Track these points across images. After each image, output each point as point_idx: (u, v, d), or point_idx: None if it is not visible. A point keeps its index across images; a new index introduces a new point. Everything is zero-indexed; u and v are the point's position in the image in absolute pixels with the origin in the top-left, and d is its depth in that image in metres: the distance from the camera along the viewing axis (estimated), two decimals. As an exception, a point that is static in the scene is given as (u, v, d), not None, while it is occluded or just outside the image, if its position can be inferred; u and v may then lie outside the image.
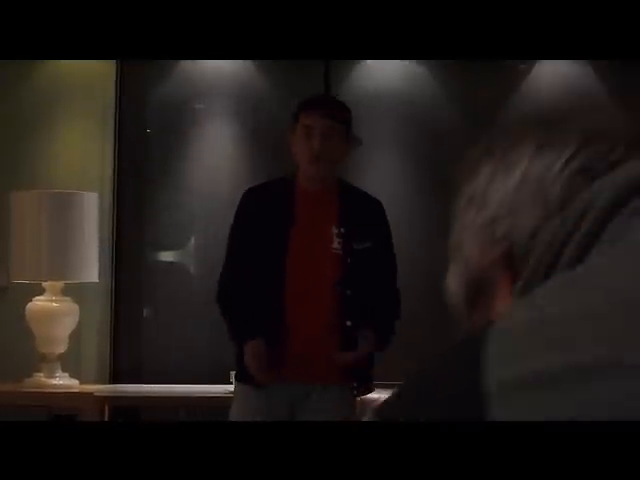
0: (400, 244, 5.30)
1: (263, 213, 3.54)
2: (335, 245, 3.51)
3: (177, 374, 5.07)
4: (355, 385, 3.55)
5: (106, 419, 4.85)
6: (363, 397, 4.86)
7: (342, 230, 3.52)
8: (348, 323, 3.47)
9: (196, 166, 5.33)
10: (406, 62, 5.35)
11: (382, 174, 5.36)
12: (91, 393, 4.78)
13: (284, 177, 3.65)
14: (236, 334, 3.53)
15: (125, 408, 5.02)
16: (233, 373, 3.77)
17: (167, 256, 5.36)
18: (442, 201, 5.20)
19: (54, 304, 4.90)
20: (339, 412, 3.51)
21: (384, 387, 4.93)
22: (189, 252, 5.36)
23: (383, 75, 5.36)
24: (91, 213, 4.92)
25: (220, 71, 5.33)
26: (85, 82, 5.24)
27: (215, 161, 5.32)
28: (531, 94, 5.40)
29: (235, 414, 3.55)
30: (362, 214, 3.61)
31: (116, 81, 5.28)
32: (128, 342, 5.25)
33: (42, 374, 4.86)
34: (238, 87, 5.33)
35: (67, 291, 4.94)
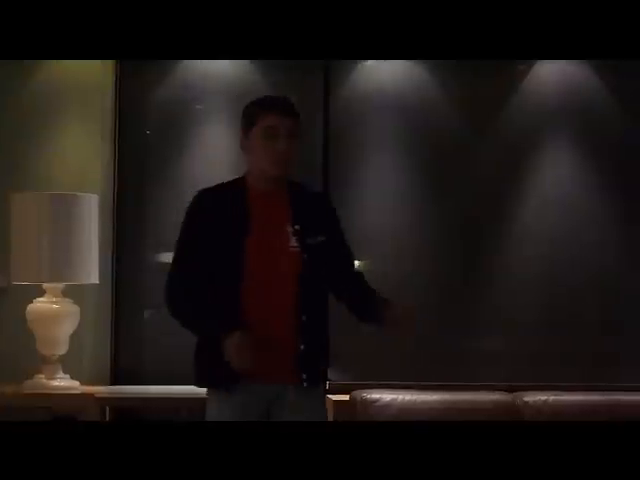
0: (400, 243, 5.32)
1: (216, 215, 3.52)
2: (292, 242, 3.50)
3: (177, 375, 5.04)
4: (304, 377, 3.47)
5: (107, 420, 4.86)
6: (364, 397, 4.87)
7: (297, 227, 3.51)
8: (303, 318, 3.46)
9: (196, 166, 5.32)
10: (405, 62, 5.34)
11: (381, 173, 5.35)
12: (92, 394, 4.79)
13: (237, 179, 3.63)
14: (202, 331, 3.49)
15: (126, 409, 5.01)
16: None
17: (167, 257, 5.32)
18: (442, 200, 5.22)
19: (55, 305, 4.90)
20: (311, 411, 3.49)
21: (386, 387, 4.95)
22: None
23: (382, 75, 5.36)
24: (91, 214, 4.93)
25: (219, 71, 5.33)
26: (85, 83, 5.24)
27: (215, 161, 5.31)
28: (531, 94, 5.39)
29: (210, 418, 3.55)
30: (312, 209, 3.59)
31: (115, 82, 5.27)
32: (129, 343, 5.25)
33: (43, 375, 4.86)
34: (237, 87, 5.32)
35: (68, 292, 4.94)
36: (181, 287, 3.53)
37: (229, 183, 3.63)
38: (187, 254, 3.55)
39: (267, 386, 3.46)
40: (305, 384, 3.47)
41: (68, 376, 4.91)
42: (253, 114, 3.53)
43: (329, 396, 4.94)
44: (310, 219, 3.55)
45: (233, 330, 3.34)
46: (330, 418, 4.81)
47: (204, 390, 4.87)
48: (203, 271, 3.48)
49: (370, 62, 5.35)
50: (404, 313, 3.55)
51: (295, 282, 3.48)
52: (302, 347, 3.46)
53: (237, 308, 3.43)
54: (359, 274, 3.73)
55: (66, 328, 4.92)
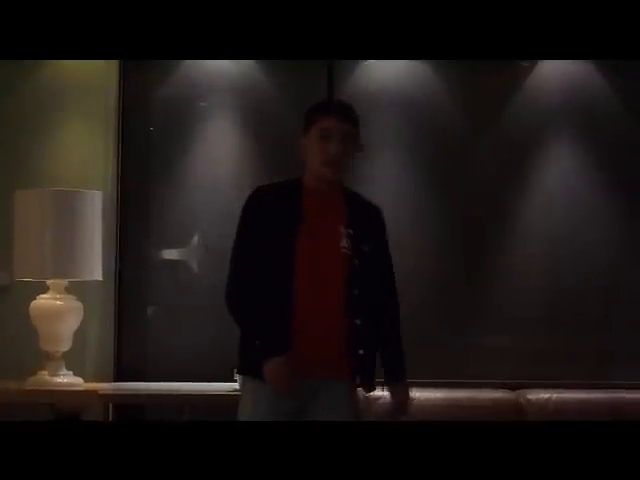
0: (403, 240, 5.31)
1: (272, 211, 3.56)
2: (344, 244, 3.55)
3: (181, 372, 5.07)
4: (359, 383, 3.58)
5: (110, 417, 4.86)
6: (367, 395, 4.87)
7: (350, 231, 3.57)
8: (357, 322, 3.52)
9: (199, 164, 5.33)
10: (408, 60, 5.34)
11: (385, 171, 5.35)
12: (95, 391, 4.79)
13: (292, 179, 3.68)
14: (252, 336, 3.51)
15: (129, 406, 5.02)
16: (235, 370, 3.74)
17: (171, 254, 5.35)
18: (445, 197, 5.22)
19: (58, 302, 4.90)
20: (345, 408, 3.55)
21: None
22: (193, 250, 5.35)
23: (385, 73, 5.35)
24: (95, 211, 4.93)
25: (223, 69, 5.33)
26: (88, 81, 5.24)
27: (218, 159, 5.31)
28: (534, 92, 5.39)
29: (244, 409, 3.56)
30: (367, 218, 3.67)
31: (119, 80, 5.27)
32: (132, 340, 5.25)
33: (46, 372, 4.87)
34: (241, 85, 5.33)
35: (71, 289, 4.94)
36: (237, 289, 3.57)
37: (286, 182, 3.69)
38: (243, 254, 3.58)
39: (305, 383, 3.49)
40: (360, 387, 3.59)
41: (71, 373, 4.91)
42: (311, 116, 3.62)
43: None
44: (363, 226, 3.61)
45: (275, 355, 3.42)
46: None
47: (208, 387, 4.89)
48: (258, 270, 3.51)
49: (373, 60, 5.35)
50: (399, 408, 3.68)
51: (343, 283, 3.52)
52: (361, 351, 3.53)
53: (289, 307, 3.46)
54: (396, 295, 3.78)
55: (69, 325, 4.92)
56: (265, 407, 3.49)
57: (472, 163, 5.37)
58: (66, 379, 4.87)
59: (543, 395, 4.95)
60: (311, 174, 3.62)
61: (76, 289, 4.97)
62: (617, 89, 5.40)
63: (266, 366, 3.43)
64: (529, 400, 4.93)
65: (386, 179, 5.34)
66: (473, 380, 5.13)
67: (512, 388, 5.01)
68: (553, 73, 5.38)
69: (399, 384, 3.70)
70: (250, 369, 3.55)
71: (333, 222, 3.58)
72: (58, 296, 4.91)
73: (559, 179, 5.36)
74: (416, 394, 4.89)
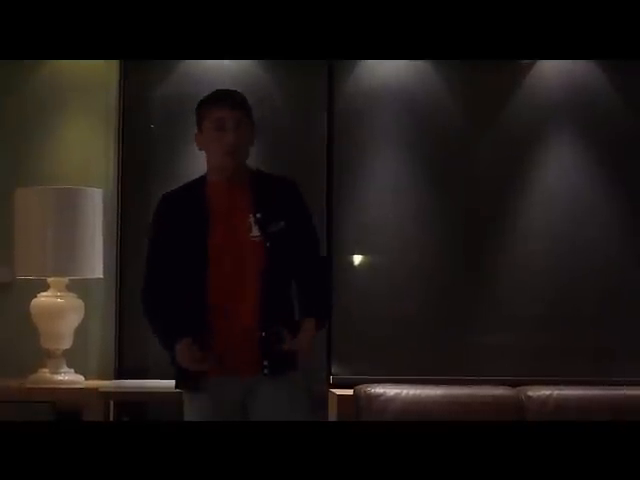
0: (404, 238, 5.32)
1: (178, 215, 3.58)
2: (254, 232, 3.53)
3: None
4: (266, 364, 3.50)
5: (111, 415, 4.86)
6: (367, 392, 4.87)
7: (258, 216, 3.54)
8: (266, 307, 3.48)
9: (199, 162, 5.30)
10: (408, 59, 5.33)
11: (385, 169, 5.35)
12: (96, 389, 4.79)
13: (198, 177, 3.68)
14: (167, 340, 3.53)
15: (130, 404, 5.02)
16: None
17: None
18: (445, 195, 5.22)
19: (59, 300, 4.90)
20: (285, 401, 3.52)
21: (389, 382, 4.96)
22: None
23: (386, 71, 5.35)
24: (95, 209, 4.93)
25: (223, 68, 5.32)
26: (89, 79, 5.24)
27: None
28: (534, 89, 5.38)
29: (187, 417, 3.58)
30: (276, 196, 3.61)
31: (119, 78, 5.27)
32: (133, 338, 5.25)
33: (47, 370, 4.87)
34: (241, 84, 5.30)
35: (72, 287, 4.95)
36: (150, 296, 3.60)
37: (190, 182, 3.70)
38: (156, 260, 3.61)
39: (234, 379, 3.50)
40: (266, 371, 3.49)
41: (72, 370, 4.92)
42: (202, 109, 3.62)
43: (333, 390, 4.96)
44: (273, 206, 3.57)
45: (181, 338, 3.42)
46: (334, 413, 4.83)
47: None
48: (173, 277, 3.53)
49: (373, 59, 5.35)
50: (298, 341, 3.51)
51: (258, 272, 3.51)
52: (262, 335, 3.48)
53: (202, 309, 3.47)
54: (323, 260, 3.78)
55: (70, 322, 4.93)
56: (203, 412, 3.51)
57: (472, 160, 5.36)
58: (67, 377, 4.88)
59: (544, 392, 4.95)
60: (212, 167, 3.62)
61: (77, 287, 4.97)
62: (617, 86, 5.39)
63: (176, 349, 3.44)
64: (530, 397, 4.93)
65: (386, 176, 5.33)
66: (474, 377, 5.13)
67: (513, 385, 5.01)
68: (553, 70, 5.38)
69: (307, 319, 3.53)
70: (178, 381, 3.60)
71: (240, 212, 3.55)
72: (59, 294, 4.91)
73: (559, 176, 5.36)
74: (417, 391, 4.91)
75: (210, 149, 3.60)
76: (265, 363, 3.49)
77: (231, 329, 3.49)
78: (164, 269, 3.56)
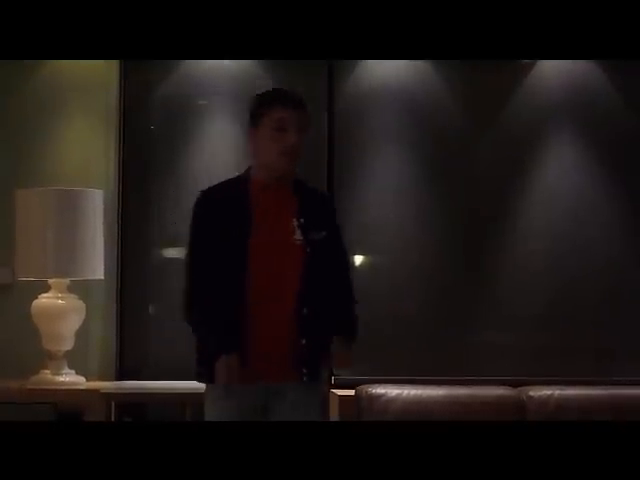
0: (402, 239, 5.32)
1: (222, 212, 3.52)
2: (297, 236, 3.51)
3: (183, 371, 5.05)
4: (305, 372, 3.49)
5: (112, 416, 4.86)
6: (369, 392, 4.87)
7: (302, 221, 3.52)
8: (304, 311, 3.46)
9: (200, 162, 5.32)
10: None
11: (386, 169, 5.35)
12: (97, 390, 4.79)
13: (240, 175, 3.63)
14: (207, 342, 3.50)
15: (131, 405, 5.02)
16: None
17: (172, 253, 5.35)
18: (446, 195, 5.21)
19: (60, 301, 4.90)
20: (311, 408, 3.51)
21: (391, 382, 4.96)
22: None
23: (386, 71, 5.35)
24: (96, 210, 4.93)
25: (223, 68, 5.32)
26: (89, 80, 5.24)
27: (219, 158, 5.31)
28: (535, 88, 5.38)
29: (208, 416, 3.56)
30: (316, 206, 3.60)
31: (120, 79, 5.27)
32: (134, 339, 5.25)
33: (48, 371, 4.87)
34: (241, 84, 5.32)
35: (73, 288, 4.95)
36: (191, 296, 3.54)
37: (232, 179, 3.64)
38: (196, 260, 3.55)
39: (265, 382, 3.47)
40: (305, 379, 3.48)
41: (73, 372, 4.92)
42: (262, 106, 3.54)
43: (334, 391, 4.95)
44: (314, 216, 3.55)
45: (224, 353, 3.40)
46: (335, 413, 4.83)
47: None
48: (212, 277, 3.48)
49: (373, 59, 5.35)
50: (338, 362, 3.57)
51: (297, 275, 3.49)
52: (303, 342, 3.47)
53: (241, 309, 3.43)
54: (350, 283, 3.68)
55: (71, 324, 4.93)
56: (226, 411, 3.48)
57: (472, 160, 5.36)
58: (68, 378, 4.88)
59: (545, 392, 4.94)
60: (262, 166, 3.55)
61: (78, 288, 4.97)
62: (618, 86, 5.39)
63: (216, 364, 3.42)
64: (531, 397, 4.92)
65: (386, 176, 5.34)
66: (475, 377, 5.13)
67: (514, 385, 5.01)
68: (553, 70, 5.38)
69: (342, 339, 3.54)
70: (206, 373, 3.54)
71: (284, 214, 3.53)
72: (60, 295, 4.91)
73: (560, 176, 5.36)
74: (418, 391, 4.91)
75: (265, 147, 3.52)
76: (305, 371, 3.48)
77: (269, 332, 3.46)
78: (205, 268, 3.50)
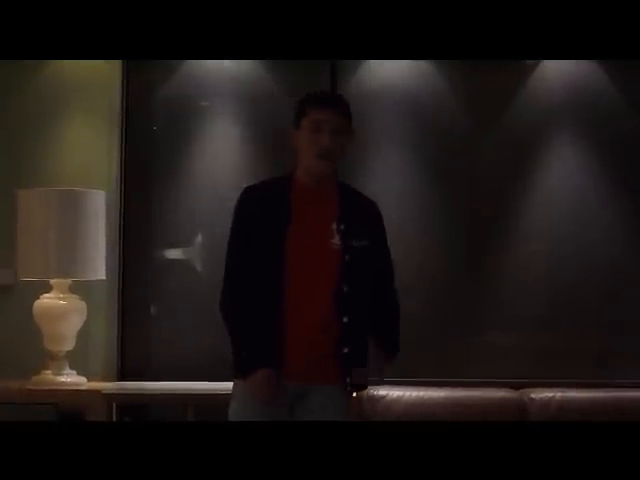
0: (404, 239, 5.31)
1: (262, 211, 3.49)
2: (335, 240, 3.48)
3: (184, 371, 5.07)
4: (349, 381, 3.48)
5: (114, 416, 4.86)
6: (371, 394, 4.87)
7: (342, 226, 3.49)
8: (345, 319, 3.44)
9: (202, 163, 5.33)
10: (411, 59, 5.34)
11: (388, 170, 5.35)
12: (99, 390, 4.79)
13: (282, 175, 3.60)
14: (243, 345, 3.47)
15: (133, 405, 5.02)
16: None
17: (174, 253, 5.35)
18: (448, 196, 5.21)
19: (61, 302, 4.90)
20: (335, 411, 3.48)
21: (393, 384, 4.96)
22: (196, 249, 5.35)
23: (389, 71, 5.35)
24: (98, 211, 4.93)
25: (226, 69, 5.33)
26: (91, 81, 5.24)
27: (221, 158, 5.31)
28: (537, 89, 5.38)
29: (234, 412, 3.53)
30: (360, 213, 3.57)
31: (122, 79, 5.28)
32: (136, 339, 5.25)
33: (50, 372, 4.87)
34: (244, 84, 5.33)
35: (74, 289, 4.95)
36: (230, 297, 3.52)
37: (276, 178, 3.62)
38: (235, 260, 3.53)
39: (303, 386, 3.46)
40: (348, 388, 3.48)
41: (75, 372, 4.92)
42: (302, 107, 3.53)
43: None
44: (355, 221, 3.52)
45: (260, 366, 3.39)
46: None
47: (211, 387, 4.89)
48: (250, 276, 3.46)
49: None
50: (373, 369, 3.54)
51: (334, 280, 3.45)
52: (345, 350, 3.45)
53: (278, 317, 3.41)
54: (395, 292, 3.66)
55: (73, 324, 4.93)
56: (253, 411, 3.45)
57: (475, 161, 5.36)
58: (70, 378, 4.88)
59: (546, 394, 4.94)
60: (303, 168, 3.54)
61: (79, 288, 4.97)
62: (620, 87, 5.39)
63: (251, 377, 3.41)
64: (532, 399, 4.92)
65: (389, 177, 5.34)
66: (476, 379, 5.13)
67: (515, 387, 5.01)
68: (556, 71, 5.37)
69: (381, 352, 3.54)
70: (240, 373, 3.50)
71: (324, 218, 3.50)
72: (61, 295, 4.91)
73: (562, 177, 5.35)
74: (420, 393, 4.91)
75: (303, 149, 3.51)
76: (348, 380, 3.46)
77: (304, 334, 3.43)
78: (244, 270, 3.48)
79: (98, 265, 4.92)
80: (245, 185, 3.62)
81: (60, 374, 4.87)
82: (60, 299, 4.91)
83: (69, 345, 4.92)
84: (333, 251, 3.46)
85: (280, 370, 3.41)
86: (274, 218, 3.47)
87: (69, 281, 4.92)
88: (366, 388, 3.61)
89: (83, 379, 4.91)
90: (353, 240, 3.48)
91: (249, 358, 3.44)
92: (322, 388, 3.46)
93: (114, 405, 4.87)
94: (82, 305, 4.95)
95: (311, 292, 3.44)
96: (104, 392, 4.79)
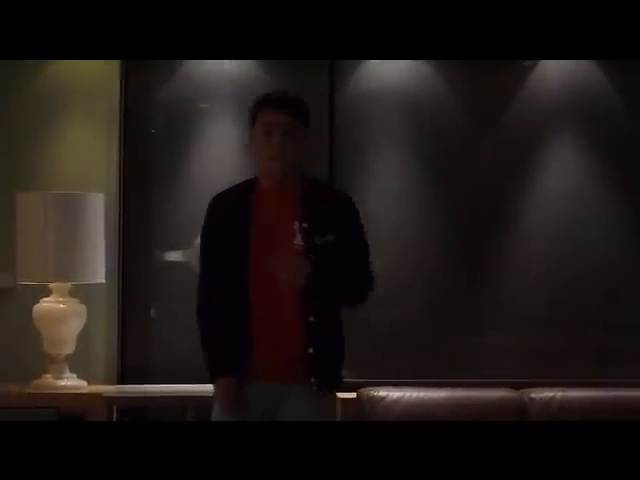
0: (403, 240, 5.31)
1: (227, 215, 3.52)
2: (297, 241, 3.46)
3: (185, 374, 5.06)
4: (314, 380, 3.46)
5: (114, 419, 4.86)
6: (371, 395, 4.87)
7: (304, 225, 3.46)
8: (311, 319, 3.44)
9: (202, 165, 5.32)
10: (410, 60, 5.33)
11: (387, 170, 5.35)
12: (99, 394, 4.79)
13: (247, 180, 3.61)
14: (209, 351, 3.54)
15: (133, 409, 5.01)
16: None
17: (174, 256, 5.35)
18: (447, 196, 5.21)
19: (61, 305, 4.90)
20: (312, 411, 3.47)
21: (393, 385, 4.95)
22: (196, 251, 5.32)
23: (387, 72, 5.35)
24: (97, 214, 4.93)
25: (225, 70, 5.33)
26: (90, 82, 5.24)
27: (221, 160, 5.31)
28: (536, 89, 5.38)
29: (215, 416, 3.55)
30: (328, 210, 3.52)
31: (121, 81, 5.27)
32: (136, 342, 5.25)
33: (50, 375, 4.87)
34: (243, 85, 5.32)
35: (74, 292, 4.94)
36: (203, 303, 3.58)
37: (241, 183, 3.62)
38: (206, 264, 3.58)
39: (272, 386, 3.46)
40: (315, 388, 3.46)
41: (75, 376, 4.92)
42: (253, 111, 3.53)
43: (336, 394, 4.94)
44: (322, 219, 3.49)
45: (224, 375, 3.45)
46: (337, 416, 4.82)
47: (212, 389, 4.87)
48: (219, 281, 3.50)
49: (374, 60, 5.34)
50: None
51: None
52: (311, 349, 3.45)
53: (244, 320, 3.44)
54: (368, 279, 3.65)
55: (73, 328, 4.92)
56: (223, 415, 3.48)
57: (474, 161, 5.36)
58: (70, 382, 4.88)
59: (547, 394, 4.94)
60: (260, 171, 3.54)
61: (79, 292, 4.97)
62: (619, 87, 5.40)
63: (215, 386, 3.47)
64: (532, 399, 4.92)
65: (388, 177, 5.34)
66: (476, 379, 5.13)
67: (516, 387, 5.01)
68: (555, 72, 5.38)
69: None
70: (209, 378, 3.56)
71: (286, 218, 3.48)
72: (61, 299, 4.91)
73: (561, 177, 5.36)
74: (420, 394, 4.91)
75: (257, 152, 3.52)
76: (313, 379, 3.45)
77: (274, 336, 3.44)
78: (211, 273, 3.54)
79: (97, 268, 4.91)
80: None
81: (60, 378, 4.86)
82: (60, 303, 4.90)
83: (69, 349, 4.92)
84: (296, 251, 3.45)
85: (247, 372, 3.44)
86: (237, 221, 3.49)
87: (69, 284, 4.91)
88: (336, 388, 3.57)
89: (83, 382, 4.91)
90: (318, 238, 3.46)
91: (213, 365, 3.51)
92: (291, 388, 3.46)
93: (115, 408, 4.87)
94: (82, 308, 4.95)
95: (276, 293, 3.44)
96: (104, 395, 4.79)
